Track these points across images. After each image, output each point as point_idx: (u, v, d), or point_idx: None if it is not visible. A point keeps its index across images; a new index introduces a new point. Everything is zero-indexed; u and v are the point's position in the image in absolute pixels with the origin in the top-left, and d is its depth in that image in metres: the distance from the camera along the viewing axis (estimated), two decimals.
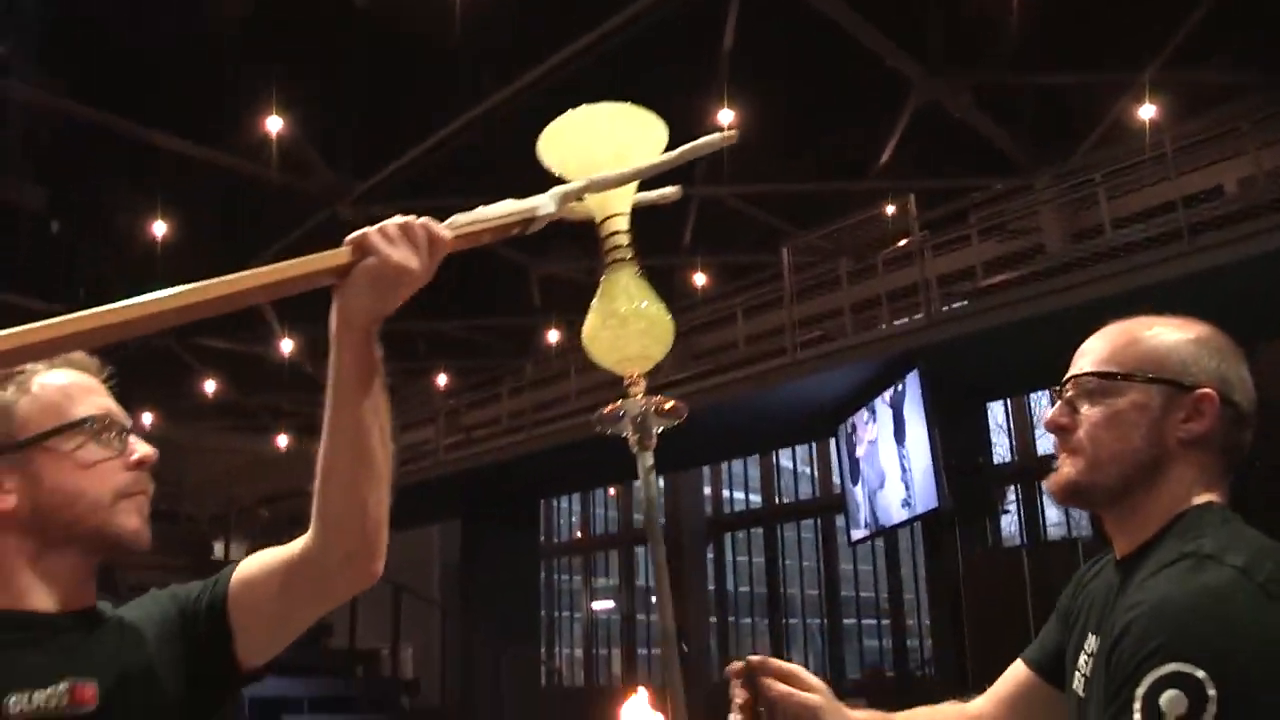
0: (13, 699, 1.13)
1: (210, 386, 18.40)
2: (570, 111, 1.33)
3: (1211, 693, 1.03)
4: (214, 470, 18.66)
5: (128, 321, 1.09)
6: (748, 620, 22.11)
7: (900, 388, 9.12)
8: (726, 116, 11.41)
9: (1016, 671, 1.57)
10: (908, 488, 9.20)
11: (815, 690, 1.40)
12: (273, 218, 13.72)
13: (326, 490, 1.24)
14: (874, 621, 21.03)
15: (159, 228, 13.91)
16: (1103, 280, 8.11)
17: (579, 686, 19.97)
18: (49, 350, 1.08)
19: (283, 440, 21.33)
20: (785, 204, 13.90)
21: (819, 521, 19.93)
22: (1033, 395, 16.33)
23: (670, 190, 1.40)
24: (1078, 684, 1.35)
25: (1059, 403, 1.39)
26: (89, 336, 1.08)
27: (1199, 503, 1.28)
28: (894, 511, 9.60)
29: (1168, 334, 1.35)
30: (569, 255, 15.35)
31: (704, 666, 18.70)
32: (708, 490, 21.31)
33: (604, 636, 22.75)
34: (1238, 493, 1.35)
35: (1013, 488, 13.76)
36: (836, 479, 18.96)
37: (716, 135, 1.30)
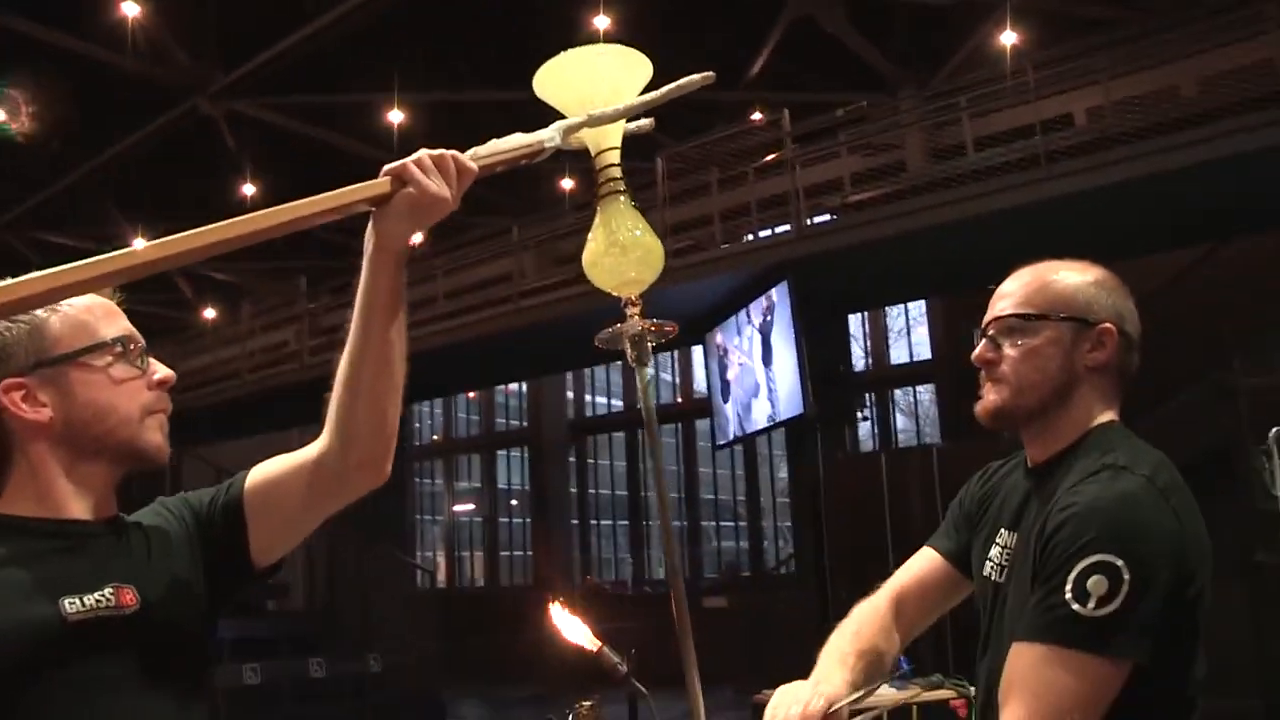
0: (66, 601, 1.20)
1: None
2: (565, 52, 1.43)
3: (1126, 576, 1.32)
4: None
5: (162, 259, 1.19)
6: (609, 522, 22.60)
7: (769, 316, 9.39)
8: (602, 22, 11.36)
9: (930, 559, 1.80)
10: (773, 405, 9.56)
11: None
12: (129, 109, 13.08)
13: (349, 402, 1.36)
14: (731, 524, 21.83)
15: None
16: (964, 202, 8.48)
17: (442, 588, 20.19)
18: (79, 290, 1.18)
19: None
20: (653, 110, 13.93)
21: (680, 426, 20.42)
22: (889, 308, 17.02)
23: (646, 122, 1.48)
24: (989, 571, 1.60)
25: (984, 340, 1.59)
26: (122, 275, 1.17)
27: (1103, 421, 1.54)
28: (759, 419, 9.96)
29: (1072, 277, 1.57)
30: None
31: (567, 565, 19.14)
32: (570, 395, 21.55)
33: (466, 539, 23.01)
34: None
35: (868, 395, 14.40)
36: (699, 385, 19.40)
37: (697, 76, 1.42)
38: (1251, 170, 7.68)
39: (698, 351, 17.72)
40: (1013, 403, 1.55)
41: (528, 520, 21.26)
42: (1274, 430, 6.14)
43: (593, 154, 1.46)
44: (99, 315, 1.32)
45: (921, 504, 8.22)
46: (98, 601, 1.23)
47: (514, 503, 22.83)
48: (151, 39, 11.80)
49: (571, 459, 20.64)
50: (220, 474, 12.90)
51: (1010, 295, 1.59)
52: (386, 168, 1.28)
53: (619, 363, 20.68)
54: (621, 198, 1.45)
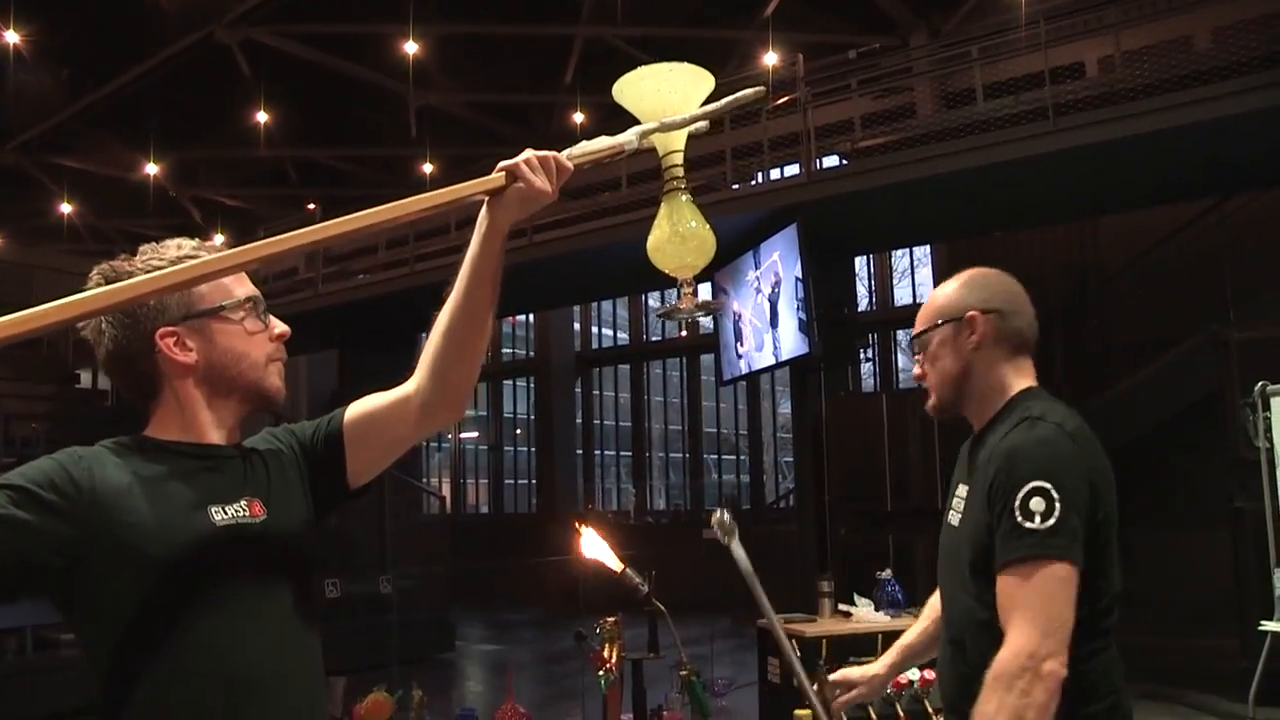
0: (214, 510, 1.47)
1: (65, 208, 17.65)
2: (641, 67, 1.66)
3: (1055, 496, 1.73)
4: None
5: (279, 253, 1.38)
6: (612, 453, 22.93)
7: (776, 288, 9.57)
8: None
9: None
10: (776, 345, 9.77)
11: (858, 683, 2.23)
12: (145, 36, 13.11)
13: (448, 351, 1.60)
14: (732, 457, 22.14)
15: (10, 36, 13.18)
16: (973, 151, 8.61)
17: (447, 514, 20.54)
18: (209, 279, 1.38)
19: None
20: (669, 47, 13.98)
21: (684, 360, 20.65)
22: (895, 252, 17.17)
23: (702, 125, 1.68)
24: (952, 519, 2.01)
25: (916, 359, 2.07)
26: (239, 268, 1.41)
27: (1022, 388, 1.97)
28: (764, 359, 10.20)
29: (945, 289, 2.04)
30: (448, 87, 15.15)
31: (570, 495, 19.51)
32: (577, 327, 21.75)
33: (470, 466, 23.37)
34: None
35: (871, 335, 14.61)
36: (703, 320, 19.57)
37: (750, 91, 1.65)
38: (1261, 128, 7.80)
39: (704, 289, 17.91)
40: (939, 398, 2.03)
41: (533, 449, 21.59)
42: (1259, 384, 6.40)
43: (660, 154, 1.68)
44: (233, 277, 1.55)
45: (919, 444, 8.49)
46: (237, 511, 1.49)
47: (519, 431, 23.15)
48: None
49: (578, 390, 20.89)
50: None
51: (917, 321, 2.08)
52: (501, 164, 1.52)
53: (625, 297, 20.91)
54: (683, 195, 1.67)
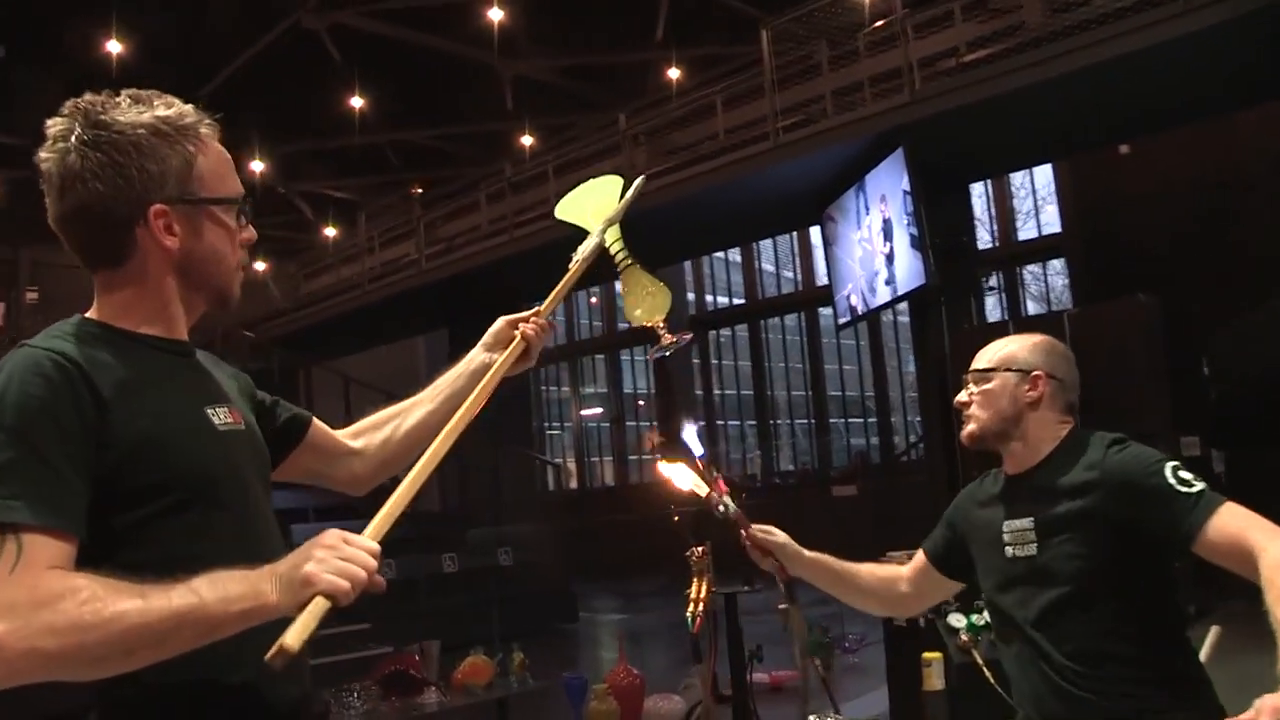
0: (209, 411, 1.40)
1: None
2: (577, 188, 2.03)
3: (1180, 464, 1.99)
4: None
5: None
6: (736, 423, 22.56)
7: (886, 202, 9.11)
8: None
9: (918, 560, 2.48)
10: (893, 281, 9.29)
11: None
12: (234, 27, 13.21)
13: (401, 452, 1.76)
14: (860, 420, 21.54)
15: (113, 46, 13.42)
16: (1087, 49, 7.93)
17: (574, 489, 20.47)
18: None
19: (260, 265, 21.06)
20: None
21: (803, 316, 20.13)
22: (1014, 177, 16.34)
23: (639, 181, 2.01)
24: (1013, 552, 2.16)
25: (965, 389, 2.29)
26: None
27: (1069, 429, 2.22)
28: (882, 296, 9.72)
29: (1016, 343, 2.26)
30: (537, 54, 14.92)
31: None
32: (691, 296, 21.45)
33: (595, 444, 23.26)
34: None
35: (996, 272, 13.90)
36: (819, 272, 18.99)
37: (640, 179, 1.99)
38: None
39: (815, 233, 17.33)
40: (981, 429, 2.24)
41: (654, 423, 21.39)
42: None
43: (607, 244, 1.99)
44: (229, 170, 1.45)
45: None
46: (226, 416, 1.42)
47: (640, 404, 22.97)
48: None
49: (695, 360, 20.58)
50: (349, 384, 12.84)
51: (980, 358, 2.30)
52: (528, 333, 1.80)
53: (738, 258, 20.49)
54: (636, 265, 1.98)
